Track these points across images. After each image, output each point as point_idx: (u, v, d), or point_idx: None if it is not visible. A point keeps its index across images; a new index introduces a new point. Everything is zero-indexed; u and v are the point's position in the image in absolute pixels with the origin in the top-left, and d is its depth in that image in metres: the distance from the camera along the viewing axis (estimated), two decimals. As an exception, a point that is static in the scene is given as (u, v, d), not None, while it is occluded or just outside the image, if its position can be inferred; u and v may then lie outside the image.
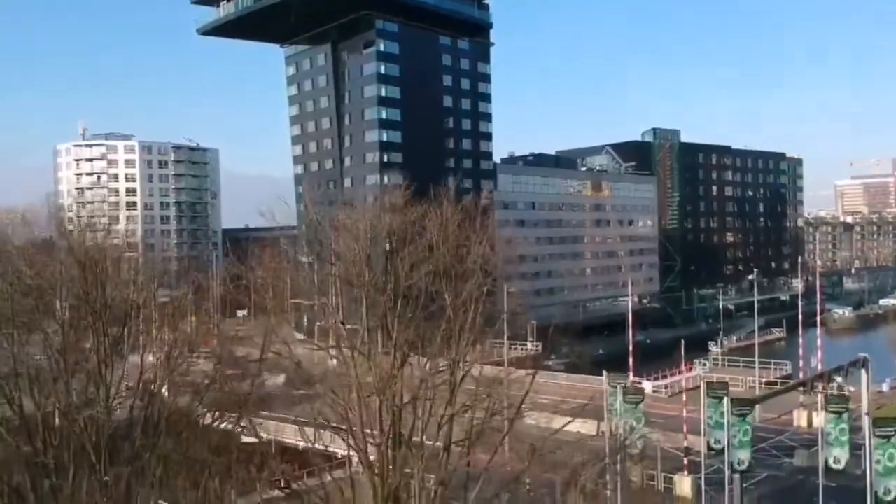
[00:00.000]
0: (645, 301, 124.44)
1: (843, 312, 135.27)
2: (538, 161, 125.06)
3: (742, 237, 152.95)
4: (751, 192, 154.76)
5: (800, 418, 51.96)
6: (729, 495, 33.38)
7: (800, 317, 71.24)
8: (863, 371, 41.44)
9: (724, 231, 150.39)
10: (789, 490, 39.89)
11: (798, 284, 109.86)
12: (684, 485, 38.56)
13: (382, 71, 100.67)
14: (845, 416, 30.39)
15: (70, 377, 22.11)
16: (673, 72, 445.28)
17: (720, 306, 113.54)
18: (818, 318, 76.04)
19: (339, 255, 20.18)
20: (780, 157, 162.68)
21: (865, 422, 27.33)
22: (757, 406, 40.45)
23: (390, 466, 19.89)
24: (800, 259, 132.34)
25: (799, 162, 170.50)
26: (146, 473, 22.23)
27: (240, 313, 76.26)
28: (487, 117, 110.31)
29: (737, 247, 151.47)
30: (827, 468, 30.68)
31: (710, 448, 33.92)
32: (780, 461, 44.70)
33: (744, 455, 31.36)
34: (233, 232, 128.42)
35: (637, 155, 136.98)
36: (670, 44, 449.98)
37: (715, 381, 39.63)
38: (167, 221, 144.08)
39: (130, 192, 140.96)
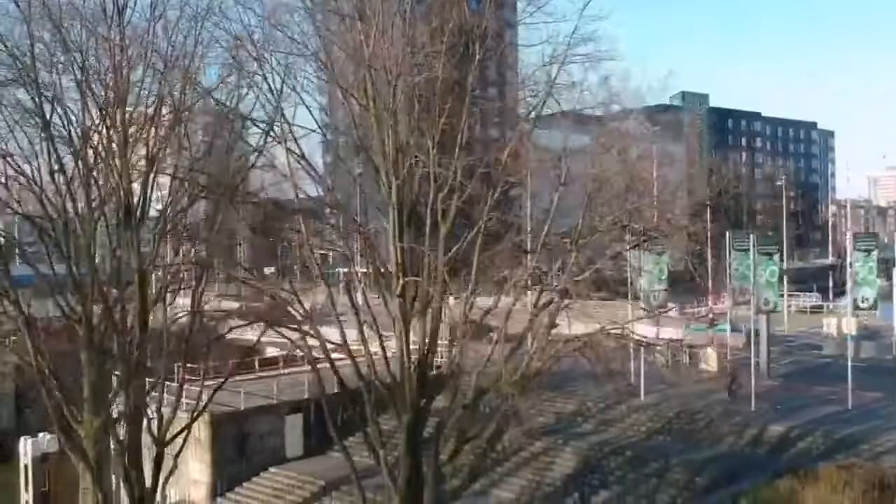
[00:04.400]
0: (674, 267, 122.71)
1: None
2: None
3: (771, 206, 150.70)
4: (781, 161, 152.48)
5: (829, 326, 51.47)
6: (755, 364, 33.15)
7: (830, 281, 68.56)
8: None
9: (752, 198, 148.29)
10: (816, 368, 39.68)
11: (829, 259, 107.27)
12: (710, 357, 38.35)
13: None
14: (874, 254, 30.14)
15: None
16: (701, 39, 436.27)
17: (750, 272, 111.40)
18: (848, 286, 73.74)
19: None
20: (812, 126, 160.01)
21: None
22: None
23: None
24: (831, 230, 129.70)
25: (830, 133, 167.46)
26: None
27: (267, 270, 77.09)
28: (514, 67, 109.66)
29: (766, 214, 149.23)
30: (855, 307, 30.38)
31: (735, 302, 33.77)
32: (808, 352, 44.65)
33: (770, 295, 31.17)
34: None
35: (665, 119, 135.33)
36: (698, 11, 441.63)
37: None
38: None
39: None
